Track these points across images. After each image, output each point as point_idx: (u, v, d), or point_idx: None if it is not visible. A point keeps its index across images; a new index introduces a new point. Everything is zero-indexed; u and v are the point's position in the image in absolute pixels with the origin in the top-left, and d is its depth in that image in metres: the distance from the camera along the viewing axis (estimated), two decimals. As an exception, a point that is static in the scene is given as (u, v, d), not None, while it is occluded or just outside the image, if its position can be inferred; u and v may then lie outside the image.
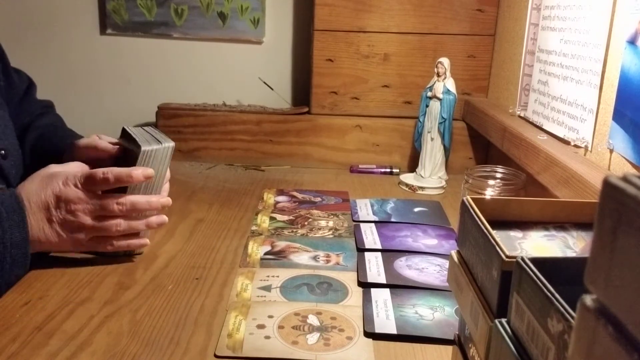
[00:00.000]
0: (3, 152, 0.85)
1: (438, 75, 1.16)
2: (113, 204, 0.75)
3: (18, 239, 0.70)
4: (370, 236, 0.90)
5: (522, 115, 1.07)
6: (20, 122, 0.97)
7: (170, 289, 0.73)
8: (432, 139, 1.18)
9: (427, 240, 0.90)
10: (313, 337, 0.63)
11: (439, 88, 1.15)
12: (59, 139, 0.95)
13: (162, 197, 0.80)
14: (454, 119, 1.18)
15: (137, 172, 0.76)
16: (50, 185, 0.74)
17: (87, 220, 0.74)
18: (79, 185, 0.74)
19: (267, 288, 0.74)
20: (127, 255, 0.81)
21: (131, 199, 0.76)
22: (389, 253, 0.85)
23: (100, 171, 0.75)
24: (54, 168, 0.77)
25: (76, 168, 0.77)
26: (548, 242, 0.48)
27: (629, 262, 0.21)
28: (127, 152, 0.80)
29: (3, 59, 0.97)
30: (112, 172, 0.74)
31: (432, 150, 1.18)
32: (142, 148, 0.77)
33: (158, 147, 0.78)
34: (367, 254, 0.84)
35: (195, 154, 1.32)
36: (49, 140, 0.95)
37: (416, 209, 1.03)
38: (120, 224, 0.76)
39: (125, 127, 0.82)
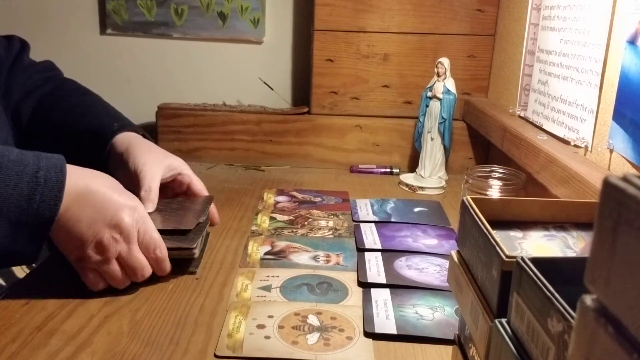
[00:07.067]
0: None
1: (438, 75, 1.16)
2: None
3: (53, 179, 0.64)
4: (370, 236, 0.90)
5: (522, 115, 1.07)
6: (14, 95, 0.89)
7: (170, 289, 0.73)
8: (432, 139, 1.18)
9: (427, 240, 0.90)
10: (313, 337, 0.63)
11: (439, 88, 1.15)
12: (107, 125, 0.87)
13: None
14: (454, 119, 1.18)
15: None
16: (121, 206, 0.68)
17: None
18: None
19: (267, 288, 0.74)
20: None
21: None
22: (389, 253, 0.84)
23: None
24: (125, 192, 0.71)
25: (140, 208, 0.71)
26: (548, 242, 0.48)
27: (629, 262, 0.21)
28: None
29: None
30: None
31: (432, 150, 1.18)
32: (195, 253, 0.75)
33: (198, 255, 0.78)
34: (367, 254, 0.84)
35: (195, 154, 1.32)
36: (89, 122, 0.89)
37: (416, 209, 1.03)
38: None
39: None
